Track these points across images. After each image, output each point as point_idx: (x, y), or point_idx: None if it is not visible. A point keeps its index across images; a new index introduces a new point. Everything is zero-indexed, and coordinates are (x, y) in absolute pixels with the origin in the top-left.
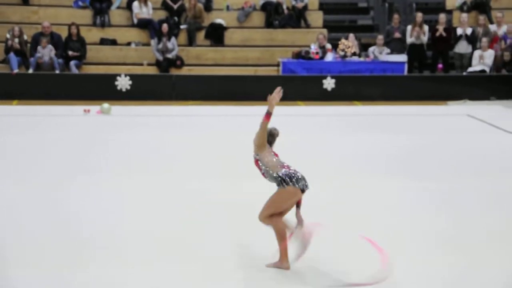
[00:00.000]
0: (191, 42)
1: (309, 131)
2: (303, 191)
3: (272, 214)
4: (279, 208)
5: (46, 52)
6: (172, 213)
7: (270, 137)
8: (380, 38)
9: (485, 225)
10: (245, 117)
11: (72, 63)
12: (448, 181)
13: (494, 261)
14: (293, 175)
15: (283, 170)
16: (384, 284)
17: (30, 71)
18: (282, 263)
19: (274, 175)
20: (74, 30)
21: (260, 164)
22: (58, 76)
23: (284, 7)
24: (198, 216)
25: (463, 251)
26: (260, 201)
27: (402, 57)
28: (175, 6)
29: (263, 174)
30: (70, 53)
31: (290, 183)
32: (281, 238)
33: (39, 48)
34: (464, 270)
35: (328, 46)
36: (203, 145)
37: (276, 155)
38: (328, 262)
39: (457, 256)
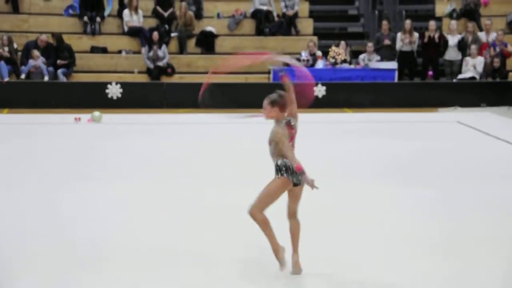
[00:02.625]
0: (182, 50)
1: (300, 138)
2: (296, 184)
3: (264, 204)
4: (273, 200)
5: (38, 63)
6: (168, 220)
7: (281, 105)
8: (370, 45)
9: (476, 231)
10: (236, 125)
11: (60, 71)
12: (439, 187)
13: (488, 267)
14: (289, 166)
15: (282, 160)
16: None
17: (23, 77)
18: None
19: (273, 161)
20: (54, 40)
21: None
22: (48, 84)
23: (275, 14)
24: (195, 223)
25: (456, 256)
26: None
27: (393, 64)
28: (166, 14)
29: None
30: (58, 61)
31: (285, 174)
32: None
33: (30, 61)
34: (458, 276)
35: (319, 53)
36: (195, 153)
37: (291, 139)
38: (328, 265)
39: (450, 262)
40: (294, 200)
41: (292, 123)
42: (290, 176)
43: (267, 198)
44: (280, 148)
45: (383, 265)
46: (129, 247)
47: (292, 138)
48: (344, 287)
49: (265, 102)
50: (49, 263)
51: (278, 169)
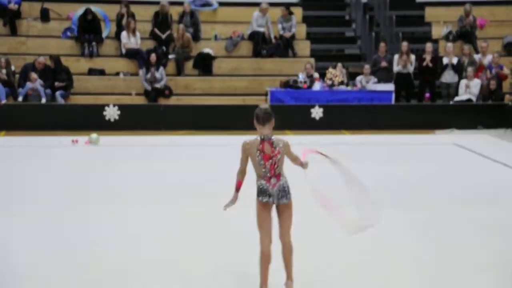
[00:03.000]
0: (179, 71)
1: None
2: (277, 204)
3: (263, 247)
4: (258, 224)
5: (35, 86)
6: (168, 241)
7: (256, 116)
8: (367, 67)
9: (471, 255)
10: (234, 146)
11: (58, 93)
12: (435, 211)
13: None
14: (260, 187)
15: (260, 181)
16: None
17: (20, 99)
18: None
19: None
20: (52, 62)
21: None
22: (46, 107)
23: (272, 36)
24: (197, 245)
25: (448, 281)
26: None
27: (389, 86)
28: (163, 36)
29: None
30: (56, 83)
31: (258, 198)
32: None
33: (28, 83)
34: None
35: (316, 75)
36: (193, 175)
37: (265, 157)
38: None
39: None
40: (279, 220)
41: (274, 144)
42: (261, 197)
43: (257, 223)
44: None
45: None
46: (130, 270)
47: (267, 157)
48: None
49: (265, 119)
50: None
51: (289, 189)
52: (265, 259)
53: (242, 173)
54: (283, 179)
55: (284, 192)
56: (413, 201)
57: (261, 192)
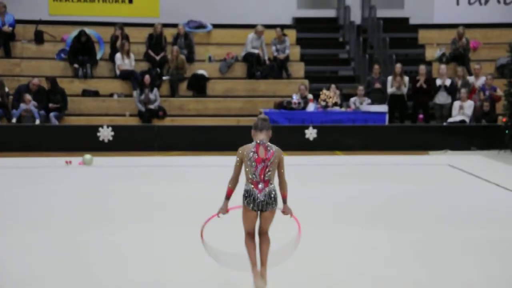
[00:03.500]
0: (173, 93)
1: (291, 180)
2: (261, 210)
3: (247, 233)
4: (244, 220)
5: (29, 107)
6: (163, 262)
7: (254, 125)
8: (361, 88)
9: (464, 276)
10: (229, 167)
11: (52, 114)
12: (428, 231)
13: None
14: (246, 191)
15: (248, 185)
16: None
17: (14, 120)
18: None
19: (273, 189)
20: (48, 83)
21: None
22: (39, 128)
23: (266, 58)
24: (190, 267)
25: None
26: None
27: (383, 108)
28: (158, 58)
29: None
30: (50, 105)
31: (244, 201)
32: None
33: (21, 105)
34: None
35: (310, 96)
36: (186, 195)
37: (258, 160)
38: None
39: None
40: (261, 222)
41: (269, 148)
42: (246, 202)
43: (243, 224)
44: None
45: None
46: None
47: (259, 160)
48: None
49: (264, 128)
50: None
51: (277, 196)
52: (250, 239)
53: (234, 180)
54: (271, 186)
55: (270, 199)
56: (408, 221)
57: (246, 196)
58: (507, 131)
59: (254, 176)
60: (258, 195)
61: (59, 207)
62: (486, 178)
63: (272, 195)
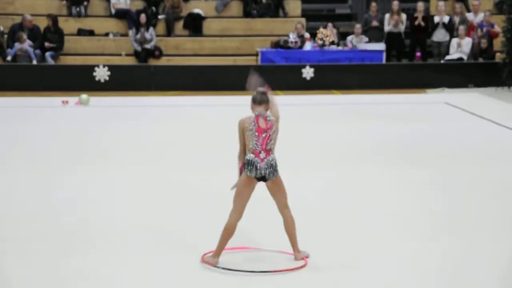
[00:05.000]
0: (169, 32)
1: (289, 120)
2: (262, 179)
3: (234, 210)
4: (235, 197)
5: (25, 47)
6: (154, 202)
7: (253, 98)
8: (358, 27)
9: (467, 210)
10: (224, 107)
11: (48, 54)
12: (427, 167)
13: (490, 247)
14: (248, 160)
15: (249, 155)
16: (379, 265)
17: (9, 58)
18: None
19: (274, 158)
20: (49, 21)
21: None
22: (35, 67)
23: None
24: (188, 207)
25: (457, 236)
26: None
27: (380, 46)
28: None
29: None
30: (46, 44)
31: (246, 170)
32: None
33: (16, 44)
34: (460, 255)
35: (307, 35)
36: (185, 136)
37: (259, 130)
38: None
39: (448, 239)
40: (274, 198)
41: (268, 118)
42: (247, 170)
43: (236, 197)
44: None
45: (382, 242)
46: (116, 230)
47: (261, 130)
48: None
49: (263, 101)
50: (38, 245)
51: (276, 166)
52: (227, 233)
53: (242, 153)
54: (272, 155)
55: (272, 168)
56: (406, 158)
57: (249, 164)
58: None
59: (255, 146)
60: (260, 163)
61: (49, 146)
62: (483, 115)
63: (274, 164)
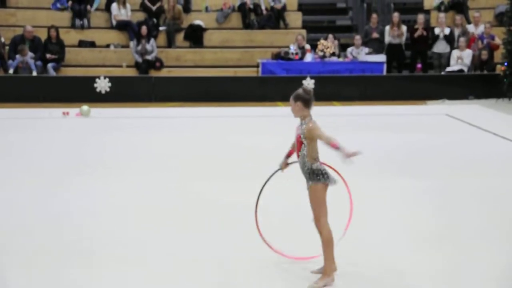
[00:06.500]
0: (170, 43)
1: (289, 132)
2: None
3: (324, 212)
4: (322, 208)
5: (26, 59)
6: (157, 214)
7: (304, 100)
8: (358, 38)
9: (466, 220)
10: (225, 118)
11: (50, 65)
12: (428, 179)
13: (488, 258)
14: (325, 170)
15: (317, 163)
16: (380, 274)
17: (11, 71)
18: (329, 274)
19: (307, 165)
20: (53, 33)
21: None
22: (36, 79)
23: (263, 8)
24: (183, 217)
25: (455, 246)
26: (247, 201)
27: (381, 57)
28: (154, 8)
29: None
30: (48, 55)
31: (322, 179)
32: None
33: (17, 56)
34: (458, 267)
35: (307, 46)
36: (185, 147)
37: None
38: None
39: (446, 251)
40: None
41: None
42: (327, 180)
43: (320, 207)
44: (318, 136)
45: (380, 252)
46: (118, 241)
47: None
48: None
49: (290, 98)
50: (39, 256)
51: (315, 175)
52: (331, 241)
53: (331, 138)
54: None
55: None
56: (407, 169)
57: (326, 173)
58: (505, 80)
59: (318, 154)
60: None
61: (50, 157)
62: (483, 127)
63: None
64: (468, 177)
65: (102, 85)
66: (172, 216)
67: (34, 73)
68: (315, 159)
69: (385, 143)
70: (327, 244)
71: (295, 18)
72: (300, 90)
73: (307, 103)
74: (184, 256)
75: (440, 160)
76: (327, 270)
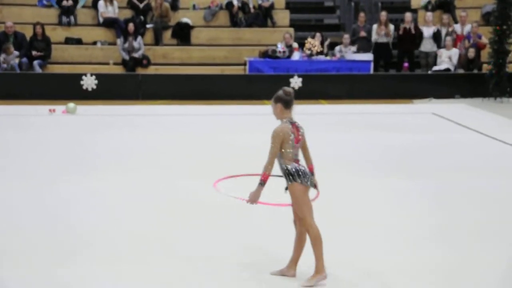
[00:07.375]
0: (157, 41)
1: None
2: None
3: (312, 219)
4: (304, 208)
5: (11, 58)
6: (144, 211)
7: (285, 102)
8: (346, 37)
9: (459, 220)
10: (212, 116)
11: (36, 62)
12: (419, 179)
13: (483, 258)
14: (299, 170)
15: (293, 164)
16: (376, 275)
17: None
18: (321, 272)
19: (283, 166)
20: (39, 29)
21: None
22: (22, 76)
23: (251, 6)
24: (169, 213)
25: (450, 245)
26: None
27: (368, 56)
28: (141, 5)
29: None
30: (34, 53)
31: (298, 179)
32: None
33: (3, 55)
34: (452, 266)
35: (295, 45)
36: (173, 145)
37: (296, 140)
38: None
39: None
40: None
41: (301, 130)
42: (303, 180)
43: (301, 207)
44: (271, 143)
45: (381, 251)
46: (108, 238)
47: (298, 140)
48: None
49: (271, 100)
50: (31, 255)
51: (290, 175)
52: (320, 240)
53: (272, 165)
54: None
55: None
56: (393, 169)
57: (303, 174)
58: (491, 76)
59: (296, 155)
60: (307, 170)
61: (38, 155)
62: (469, 126)
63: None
64: (455, 176)
65: (89, 82)
66: (163, 214)
67: (17, 70)
68: (289, 160)
69: (372, 142)
70: (315, 242)
71: (282, 16)
72: (280, 92)
73: (287, 105)
74: (176, 254)
75: (430, 160)
76: (319, 268)
